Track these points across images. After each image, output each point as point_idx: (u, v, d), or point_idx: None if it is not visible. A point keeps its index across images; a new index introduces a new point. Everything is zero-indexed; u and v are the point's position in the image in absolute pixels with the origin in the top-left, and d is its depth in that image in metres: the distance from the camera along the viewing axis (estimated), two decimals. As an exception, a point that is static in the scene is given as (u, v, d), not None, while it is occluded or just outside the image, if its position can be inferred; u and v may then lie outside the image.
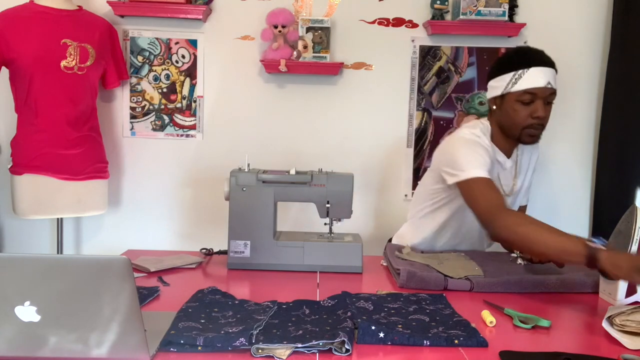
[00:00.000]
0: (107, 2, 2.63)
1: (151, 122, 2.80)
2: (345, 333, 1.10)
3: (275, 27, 2.61)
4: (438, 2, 2.69)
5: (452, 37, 2.76)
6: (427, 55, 2.79)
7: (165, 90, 2.79)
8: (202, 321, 1.19)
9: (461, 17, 2.60)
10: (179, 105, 2.80)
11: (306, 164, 2.63)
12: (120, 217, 2.83)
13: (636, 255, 1.38)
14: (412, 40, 2.78)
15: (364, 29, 2.77)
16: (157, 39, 2.75)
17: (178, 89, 2.79)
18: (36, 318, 0.96)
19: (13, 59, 2.33)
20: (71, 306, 0.96)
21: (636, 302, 1.40)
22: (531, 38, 2.76)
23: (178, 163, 2.82)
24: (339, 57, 2.76)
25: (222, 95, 2.80)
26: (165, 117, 2.80)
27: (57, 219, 2.64)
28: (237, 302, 1.34)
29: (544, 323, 1.27)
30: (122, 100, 2.79)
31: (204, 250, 1.88)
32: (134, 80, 2.77)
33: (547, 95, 1.75)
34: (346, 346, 1.08)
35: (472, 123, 1.92)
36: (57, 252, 2.69)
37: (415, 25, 2.78)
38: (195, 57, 2.77)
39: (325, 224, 1.80)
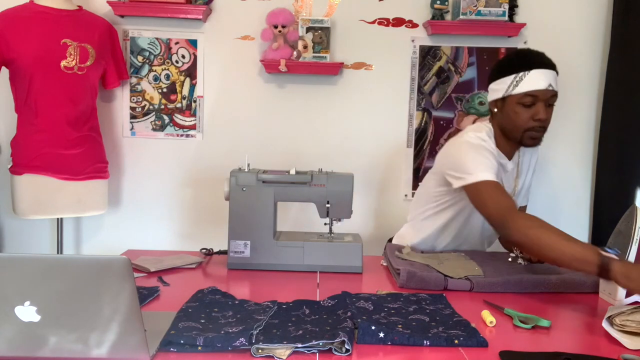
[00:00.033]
0: (107, 2, 2.63)
1: (151, 122, 2.80)
2: (345, 333, 1.10)
3: (275, 27, 2.61)
4: (438, 2, 2.69)
5: (452, 37, 2.76)
6: (427, 55, 2.79)
7: (165, 90, 2.79)
8: (202, 321, 1.19)
9: (461, 17, 2.60)
10: (179, 105, 2.80)
11: (306, 164, 2.63)
12: (120, 217, 2.83)
13: None
14: (412, 40, 2.78)
15: (364, 29, 2.77)
16: (157, 39, 2.75)
17: (178, 89, 2.79)
18: (36, 318, 0.96)
19: (13, 59, 2.33)
20: (71, 306, 0.96)
21: (636, 302, 1.40)
22: (531, 38, 2.76)
23: (178, 163, 2.82)
24: (339, 57, 2.76)
25: (222, 95, 2.80)
26: (165, 117, 2.80)
27: (57, 219, 2.64)
28: (237, 302, 1.34)
29: (544, 323, 1.27)
30: (122, 100, 2.79)
31: (204, 250, 1.88)
32: (134, 80, 2.77)
33: (548, 98, 1.74)
34: (346, 346, 1.08)
35: (476, 126, 1.90)
36: (57, 252, 2.69)
37: (415, 25, 2.78)
38: (195, 57, 2.77)
39: (325, 224, 1.80)
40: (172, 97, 2.79)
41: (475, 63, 2.79)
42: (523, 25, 2.70)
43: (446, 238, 1.97)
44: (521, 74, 1.74)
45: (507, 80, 1.77)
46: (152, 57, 2.76)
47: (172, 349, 1.07)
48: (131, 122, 2.80)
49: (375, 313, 1.29)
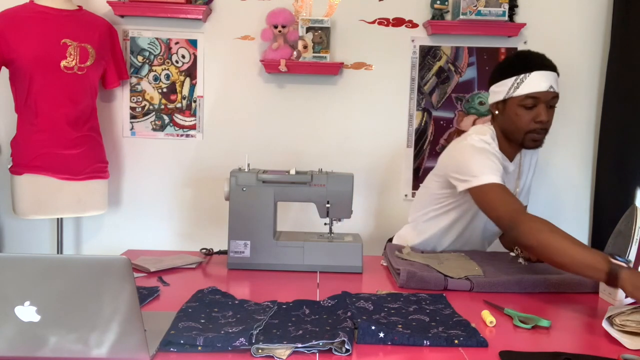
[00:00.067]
0: (107, 2, 2.63)
1: (151, 122, 2.80)
2: (345, 333, 1.10)
3: (275, 27, 2.61)
4: (438, 2, 2.68)
5: (452, 37, 2.76)
6: (427, 55, 2.79)
7: (165, 90, 2.79)
8: (202, 321, 1.19)
9: (461, 17, 2.60)
10: (179, 105, 2.80)
11: (306, 164, 2.63)
12: (120, 217, 2.83)
13: None
14: (412, 40, 2.78)
15: (364, 29, 2.77)
16: (157, 39, 2.75)
17: (178, 89, 2.79)
18: (36, 318, 0.96)
19: (13, 59, 2.33)
20: (71, 306, 0.96)
21: (636, 302, 1.40)
22: (531, 38, 2.76)
23: (178, 163, 2.82)
24: (339, 57, 2.76)
25: (222, 95, 2.80)
26: (165, 117, 2.80)
27: (57, 219, 2.64)
28: (237, 302, 1.34)
29: (544, 323, 1.27)
30: (122, 100, 2.79)
31: (204, 250, 1.88)
32: (134, 80, 2.77)
33: (549, 99, 1.74)
34: (346, 346, 1.08)
35: (479, 128, 1.89)
36: (57, 252, 2.69)
37: (415, 25, 2.78)
38: (195, 57, 2.77)
39: (325, 224, 1.80)
40: (172, 97, 2.79)
41: (475, 63, 2.79)
42: (523, 25, 2.70)
43: (448, 240, 1.97)
44: (522, 76, 1.73)
45: (508, 82, 1.76)
46: (152, 57, 2.76)
47: (172, 349, 1.07)
48: (131, 122, 2.80)
49: (375, 313, 1.29)
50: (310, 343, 1.08)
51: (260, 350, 1.07)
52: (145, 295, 1.38)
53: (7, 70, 2.40)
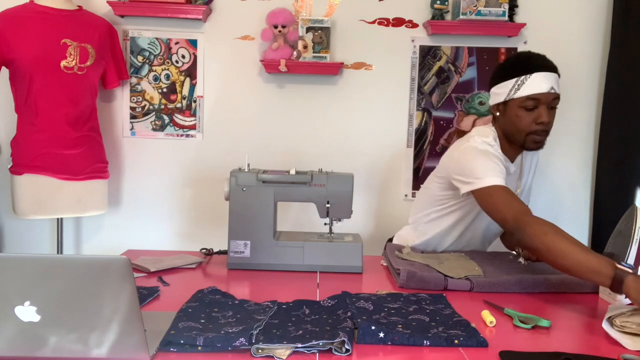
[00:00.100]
0: (107, 2, 2.63)
1: (151, 122, 2.80)
2: (345, 333, 1.10)
3: (275, 27, 2.61)
4: (438, 2, 2.68)
5: (452, 37, 2.76)
6: (427, 55, 2.79)
7: (165, 90, 2.79)
8: (202, 321, 1.19)
9: (461, 17, 2.60)
10: (179, 105, 2.80)
11: (306, 164, 2.63)
12: (120, 217, 2.83)
13: None
14: (412, 40, 2.78)
15: (364, 29, 2.77)
16: (157, 39, 2.75)
17: (178, 89, 2.79)
18: (36, 318, 0.96)
19: (13, 59, 2.33)
20: (71, 306, 0.96)
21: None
22: (531, 38, 2.76)
23: (178, 163, 2.82)
24: (339, 57, 2.76)
25: (222, 95, 2.80)
26: (165, 117, 2.80)
27: (57, 219, 2.64)
28: (237, 302, 1.34)
29: (544, 323, 1.27)
30: (122, 100, 2.79)
31: (204, 250, 1.88)
32: (134, 80, 2.77)
33: (550, 101, 1.74)
34: (346, 346, 1.08)
35: (482, 129, 1.88)
36: (57, 252, 2.69)
37: (415, 25, 2.78)
38: (195, 57, 2.77)
39: (325, 224, 1.80)
40: (172, 97, 2.79)
41: (475, 63, 2.79)
42: (523, 25, 2.70)
43: (449, 241, 1.97)
44: (523, 77, 1.73)
45: (509, 84, 1.76)
46: (152, 57, 2.76)
47: (172, 349, 1.07)
48: (131, 122, 2.80)
49: (375, 313, 1.29)
50: (310, 343, 1.08)
51: (260, 350, 1.07)
52: (145, 295, 1.38)
53: (7, 70, 2.40)
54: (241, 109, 2.80)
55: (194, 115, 2.80)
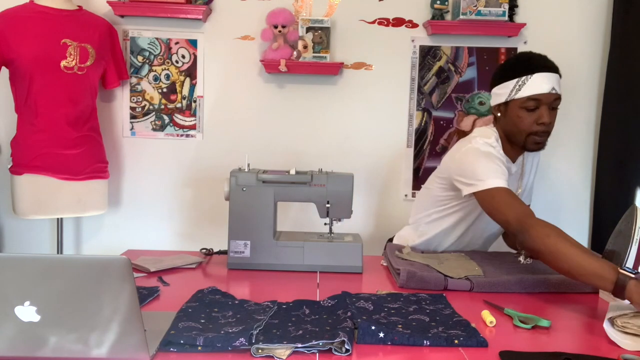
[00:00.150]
0: (107, 2, 2.63)
1: (151, 122, 2.80)
2: (345, 333, 1.10)
3: (275, 27, 2.61)
4: (438, 2, 2.68)
5: (452, 37, 2.76)
6: (427, 55, 2.79)
7: (165, 90, 2.79)
8: (202, 321, 1.19)
9: (461, 17, 2.60)
10: (179, 105, 2.80)
11: (306, 164, 2.63)
12: (120, 217, 2.83)
13: None
14: (412, 40, 2.78)
15: (364, 29, 2.77)
16: (157, 39, 2.75)
17: (178, 89, 2.79)
18: (36, 318, 0.96)
19: (13, 59, 2.33)
20: (71, 306, 0.96)
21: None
22: (531, 38, 2.76)
23: (178, 163, 2.82)
24: (339, 57, 2.76)
25: (222, 95, 2.80)
26: (165, 117, 2.80)
27: (57, 219, 2.64)
28: (237, 302, 1.34)
29: (544, 323, 1.27)
30: (122, 100, 2.79)
31: (204, 250, 1.88)
32: (134, 80, 2.77)
33: (551, 101, 1.73)
34: (346, 346, 1.08)
35: (483, 130, 1.88)
36: (57, 252, 2.69)
37: (415, 25, 2.77)
38: (195, 57, 2.77)
39: (325, 224, 1.80)
40: (172, 97, 2.79)
41: (475, 63, 2.79)
42: (523, 25, 2.70)
43: (449, 241, 1.97)
44: (524, 78, 1.73)
45: (510, 84, 1.76)
46: (152, 57, 2.76)
47: (172, 349, 1.07)
48: (131, 122, 2.80)
49: (375, 313, 1.29)
50: (310, 343, 1.08)
51: (260, 350, 1.07)
52: (145, 295, 1.38)
53: (7, 70, 2.40)
54: (241, 109, 2.80)
55: (194, 115, 2.80)
